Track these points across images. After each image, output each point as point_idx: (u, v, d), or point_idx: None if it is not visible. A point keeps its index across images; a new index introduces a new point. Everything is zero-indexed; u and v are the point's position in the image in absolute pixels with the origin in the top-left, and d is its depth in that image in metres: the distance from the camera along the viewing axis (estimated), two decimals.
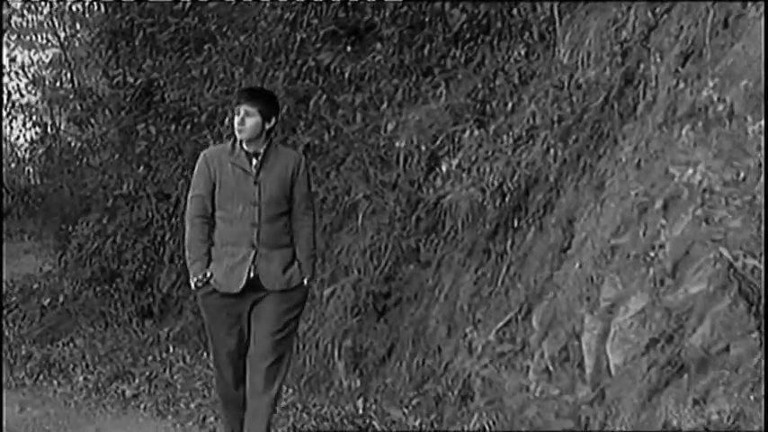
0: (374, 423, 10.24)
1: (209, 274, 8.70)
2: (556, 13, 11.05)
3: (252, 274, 8.70)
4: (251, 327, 8.91)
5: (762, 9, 8.45)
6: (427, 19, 12.31)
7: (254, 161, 8.68)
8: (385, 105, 12.59)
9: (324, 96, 13.49)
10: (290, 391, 12.51)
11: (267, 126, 8.68)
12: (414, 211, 11.61)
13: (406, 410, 10.10)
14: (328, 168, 13.28)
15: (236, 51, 14.83)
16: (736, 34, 8.65)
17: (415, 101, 12.30)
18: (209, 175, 8.71)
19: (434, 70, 12.21)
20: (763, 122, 4.77)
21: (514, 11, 11.59)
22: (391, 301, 11.72)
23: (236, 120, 8.57)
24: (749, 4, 8.65)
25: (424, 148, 11.73)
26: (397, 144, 11.86)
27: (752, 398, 6.62)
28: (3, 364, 13.65)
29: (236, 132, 8.61)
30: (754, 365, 6.75)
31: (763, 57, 5.02)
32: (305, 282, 8.96)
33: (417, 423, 9.79)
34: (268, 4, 14.06)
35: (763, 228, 4.31)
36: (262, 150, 8.69)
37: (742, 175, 6.92)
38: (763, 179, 4.49)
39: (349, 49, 13.21)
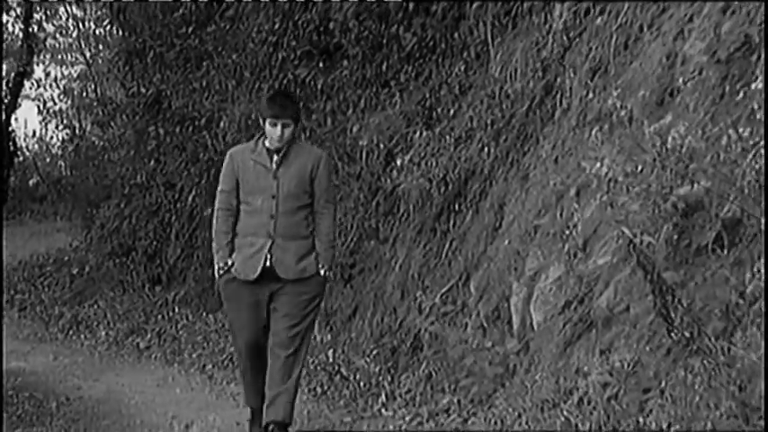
0: (342, 370, 10.20)
1: (230, 263, 8.02)
2: (489, 36, 11.02)
3: (268, 264, 7.94)
4: (269, 320, 8.12)
5: (655, 33, 8.44)
6: (385, 41, 12.28)
7: (275, 158, 7.94)
8: (350, 111, 12.61)
9: (301, 104, 13.31)
10: None
11: (297, 129, 8.13)
12: (374, 197, 11.57)
13: (367, 359, 10.05)
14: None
15: (229, 67, 14.79)
16: (635, 54, 8.63)
17: (375, 108, 12.29)
18: (233, 171, 8.04)
19: (391, 83, 12.18)
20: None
21: (455, 34, 11.56)
22: (356, 271, 11.72)
23: (276, 132, 7.82)
24: (645, 29, 8.64)
25: (382, 146, 11.70)
26: (361, 143, 11.84)
27: (648, 348, 6.61)
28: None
29: (275, 141, 7.88)
30: (649, 322, 6.73)
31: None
32: (321, 272, 8.10)
33: (377, 369, 9.73)
34: (255, 29, 14.01)
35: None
36: (284, 148, 7.95)
37: (640, 167, 6.91)
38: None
39: (321, 65, 13.18)
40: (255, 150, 8.03)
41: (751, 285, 5.69)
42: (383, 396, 9.18)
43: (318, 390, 10.13)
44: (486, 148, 10.34)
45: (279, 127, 7.82)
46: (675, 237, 6.77)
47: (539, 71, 9.98)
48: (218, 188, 8.21)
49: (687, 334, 6.26)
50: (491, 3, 11.05)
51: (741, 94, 6.88)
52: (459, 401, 8.34)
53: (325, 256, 8.11)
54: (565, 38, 9.76)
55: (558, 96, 9.56)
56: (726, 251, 6.43)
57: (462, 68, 11.43)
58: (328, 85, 13.01)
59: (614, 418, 6.42)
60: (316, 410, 9.41)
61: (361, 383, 9.72)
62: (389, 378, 9.44)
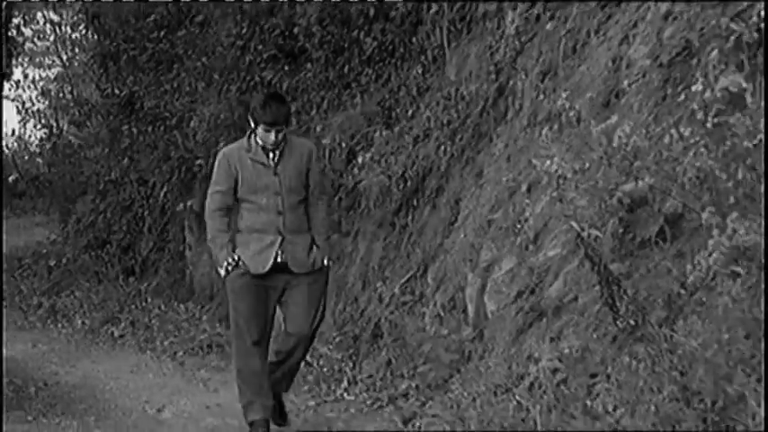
0: (307, 357, 10.16)
1: (237, 258, 7.59)
2: (445, 40, 11.02)
3: (279, 259, 7.60)
4: (284, 315, 7.81)
5: (602, 37, 8.45)
6: (346, 45, 12.28)
7: (271, 155, 7.57)
8: (314, 112, 12.62)
9: (290, 104, 13.32)
10: None
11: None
12: (336, 193, 11.54)
13: (330, 347, 10.05)
14: None
15: (199, 70, 14.78)
16: (583, 57, 8.64)
17: (337, 108, 12.29)
18: (230, 171, 7.60)
19: (352, 85, 12.17)
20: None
21: (413, 39, 11.57)
22: None
23: (270, 138, 7.46)
24: (592, 34, 8.65)
25: (344, 144, 11.67)
26: (324, 141, 11.81)
27: (595, 336, 6.62)
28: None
29: (269, 144, 7.50)
30: (596, 311, 6.74)
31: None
32: (325, 262, 7.80)
33: (339, 356, 9.74)
34: (224, 33, 14.00)
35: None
36: (279, 145, 7.60)
37: (587, 165, 6.89)
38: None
39: (286, 68, 13.17)
40: (251, 149, 7.62)
41: (692, 276, 5.68)
42: (345, 381, 9.19)
43: None
44: (442, 147, 10.34)
45: (273, 133, 7.48)
46: (621, 230, 6.78)
47: (492, 74, 9.99)
48: (211, 189, 7.76)
49: (632, 322, 6.27)
50: (447, 9, 11.03)
51: (682, 96, 6.90)
52: (417, 386, 8.34)
53: (324, 246, 7.83)
54: (517, 42, 9.76)
55: (511, 98, 9.57)
56: (668, 244, 6.45)
57: (420, 71, 11.43)
58: (293, 87, 13.00)
59: (563, 402, 6.42)
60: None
61: (325, 369, 9.71)
62: (351, 364, 9.44)
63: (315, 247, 7.75)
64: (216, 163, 7.81)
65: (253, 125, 7.61)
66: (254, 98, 8.15)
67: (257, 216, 7.63)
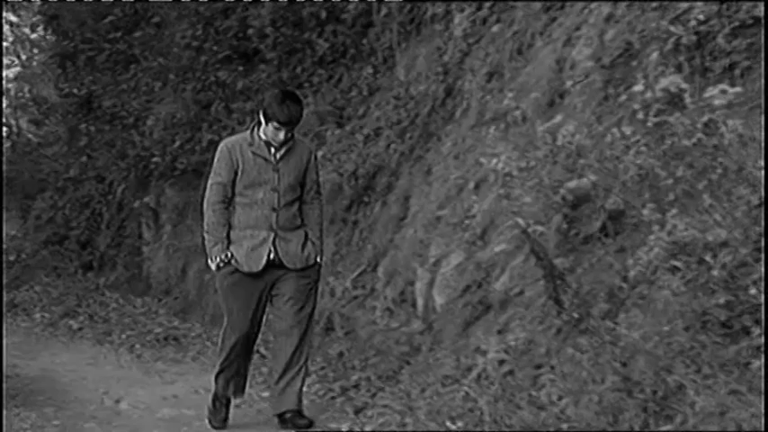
0: (260, 349, 10.09)
1: (229, 255, 7.32)
2: (395, 42, 11.01)
3: (272, 256, 7.33)
4: (266, 308, 7.59)
5: (547, 40, 8.46)
6: (299, 46, 12.28)
7: (273, 150, 7.27)
8: (257, 115, 12.49)
9: (222, 104, 13.47)
10: (197, 325, 12.47)
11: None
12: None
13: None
14: None
15: (156, 70, 14.73)
16: (528, 59, 8.65)
17: None
18: (231, 163, 7.29)
19: (305, 85, 12.15)
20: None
21: (364, 40, 11.57)
22: None
23: (279, 137, 7.22)
24: (537, 36, 8.66)
25: None
26: None
27: (540, 328, 6.62)
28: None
29: (275, 142, 7.26)
30: (541, 304, 6.75)
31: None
32: (318, 259, 7.54)
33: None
34: (180, 35, 13.94)
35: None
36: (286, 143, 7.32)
37: (533, 163, 6.91)
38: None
39: (240, 68, 13.18)
40: (254, 143, 7.31)
41: (633, 271, 5.71)
42: None
43: None
44: (392, 146, 10.34)
45: (283, 132, 7.22)
46: (565, 226, 6.79)
47: (440, 74, 9.99)
48: (212, 180, 7.44)
49: (575, 315, 6.27)
50: (397, 11, 11.02)
51: (624, 96, 6.92)
52: (368, 378, 8.31)
53: (317, 244, 7.55)
54: (464, 44, 9.77)
55: (458, 98, 9.58)
56: (610, 239, 6.46)
57: (370, 72, 11.44)
58: (247, 87, 13.02)
59: (509, 392, 6.41)
60: None
61: None
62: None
63: (308, 244, 7.50)
64: (217, 153, 7.46)
65: (263, 121, 7.26)
66: (269, 95, 7.74)
67: (250, 212, 7.35)
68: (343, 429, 7.35)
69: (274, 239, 7.35)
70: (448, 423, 6.52)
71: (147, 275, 14.86)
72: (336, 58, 12.00)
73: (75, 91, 16.78)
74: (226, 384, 7.73)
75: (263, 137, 7.29)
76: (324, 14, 11.89)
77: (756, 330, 4.96)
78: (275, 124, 7.18)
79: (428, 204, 9.20)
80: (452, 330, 7.64)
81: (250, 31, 12.77)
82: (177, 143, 13.99)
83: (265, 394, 8.75)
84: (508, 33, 9.07)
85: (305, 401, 8.09)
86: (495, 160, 7.11)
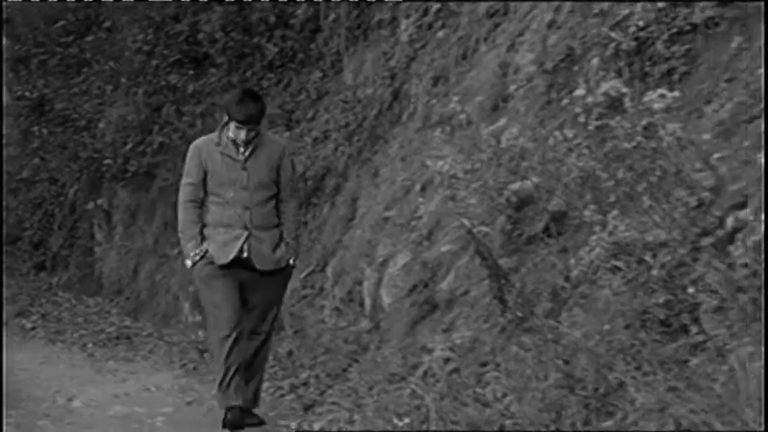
0: (210, 347, 10.10)
1: (204, 249, 7.14)
2: (343, 47, 10.99)
3: (244, 254, 7.15)
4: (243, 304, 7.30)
5: (492, 45, 8.47)
6: (249, 51, 12.25)
7: (242, 149, 7.11)
8: (218, 114, 12.43)
9: (173, 107, 13.40)
10: (149, 325, 12.42)
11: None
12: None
13: None
14: (176, 160, 13.16)
15: (107, 73, 14.67)
16: (473, 64, 8.66)
17: None
18: (200, 163, 7.16)
19: (254, 88, 12.05)
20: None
21: (312, 45, 11.55)
22: None
23: (241, 136, 7.07)
24: (481, 42, 8.67)
25: None
26: None
27: (485, 327, 6.63)
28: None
29: (240, 141, 7.10)
30: (486, 303, 6.76)
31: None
32: (291, 261, 7.39)
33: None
34: (131, 39, 13.87)
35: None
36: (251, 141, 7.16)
37: (477, 165, 6.91)
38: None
39: (191, 72, 13.12)
40: (221, 143, 7.17)
41: (575, 270, 5.72)
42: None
43: (190, 366, 10.07)
44: (340, 148, 10.32)
45: (245, 131, 7.07)
46: (509, 227, 6.80)
47: (387, 79, 9.98)
48: (183, 181, 7.33)
49: (519, 314, 6.28)
50: (344, 17, 11.00)
51: (566, 100, 6.92)
52: (317, 375, 8.29)
53: (292, 244, 7.37)
54: (410, 49, 9.77)
55: (405, 101, 9.58)
56: (553, 240, 6.47)
57: (319, 76, 11.42)
58: (198, 90, 12.98)
59: (455, 390, 6.41)
60: (188, 384, 9.29)
61: None
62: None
63: (281, 245, 7.31)
64: (188, 155, 7.36)
65: (226, 120, 7.17)
66: (229, 94, 7.76)
67: (224, 210, 7.18)
68: (292, 426, 7.32)
69: (247, 237, 7.17)
70: (395, 420, 6.50)
71: (100, 276, 14.76)
72: (285, 62, 11.97)
73: (27, 94, 16.61)
74: (235, 394, 7.24)
75: (230, 136, 7.14)
76: (273, 19, 11.87)
77: (694, 328, 4.99)
78: (235, 123, 7.07)
79: (375, 206, 9.18)
80: (399, 329, 7.63)
81: (200, 36, 12.74)
82: (129, 145, 13.91)
83: (214, 392, 8.72)
84: (453, 39, 9.07)
85: None
86: (440, 163, 7.11)
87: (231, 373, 7.18)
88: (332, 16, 11.20)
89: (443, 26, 9.34)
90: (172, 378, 9.67)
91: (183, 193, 7.30)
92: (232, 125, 7.09)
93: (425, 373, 6.88)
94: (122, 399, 8.91)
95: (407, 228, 8.23)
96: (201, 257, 7.18)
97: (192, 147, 7.39)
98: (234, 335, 7.17)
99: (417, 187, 8.42)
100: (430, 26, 9.60)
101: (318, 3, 11.45)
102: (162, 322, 12.32)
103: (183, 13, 13.13)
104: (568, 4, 7.46)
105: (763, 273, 4.24)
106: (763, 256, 4.23)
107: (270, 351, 7.67)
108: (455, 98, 8.08)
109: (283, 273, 7.40)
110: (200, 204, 7.25)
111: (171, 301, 12.47)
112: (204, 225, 7.24)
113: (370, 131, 10.01)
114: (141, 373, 10.09)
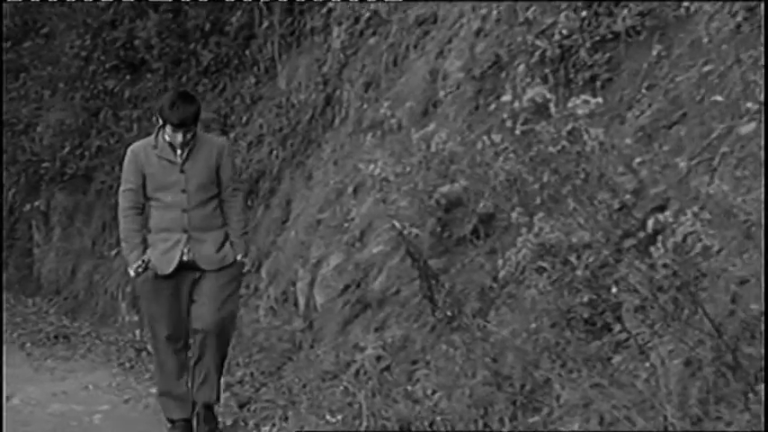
0: (147, 346, 10.02)
1: (146, 260, 6.74)
2: (276, 53, 10.96)
3: (186, 258, 6.75)
4: (191, 311, 6.92)
5: (420, 52, 8.47)
6: (184, 57, 12.21)
7: (179, 151, 6.70)
8: (154, 118, 12.37)
9: (110, 111, 13.39)
10: (87, 324, 12.32)
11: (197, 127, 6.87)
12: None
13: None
14: (113, 163, 13.12)
15: (45, 78, 14.59)
16: (403, 70, 8.66)
17: None
18: (137, 168, 6.75)
19: (188, 90, 12.03)
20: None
21: (247, 51, 11.51)
22: None
23: (178, 139, 6.64)
24: (411, 49, 8.66)
25: None
26: None
27: (415, 326, 6.63)
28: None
29: (177, 144, 6.68)
30: (416, 303, 6.76)
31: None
32: (239, 258, 6.93)
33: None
34: (68, 45, 13.75)
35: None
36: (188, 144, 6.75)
37: (408, 168, 6.90)
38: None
39: (128, 77, 13.09)
40: (158, 146, 6.76)
41: (502, 271, 5.70)
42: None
43: (127, 364, 10.01)
44: (274, 152, 10.29)
45: (180, 133, 6.64)
46: (438, 229, 6.80)
47: (320, 84, 9.96)
48: (122, 187, 6.90)
49: (449, 313, 6.28)
50: (278, 24, 10.97)
51: (493, 106, 6.95)
52: (252, 374, 8.23)
53: (238, 243, 6.93)
54: (342, 55, 9.75)
55: (337, 107, 9.57)
56: (481, 241, 6.48)
57: (253, 81, 11.39)
58: (134, 95, 12.99)
59: (387, 387, 6.41)
60: (125, 382, 9.23)
61: None
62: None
63: (226, 245, 6.90)
64: (125, 160, 6.93)
65: (161, 123, 6.74)
66: (162, 97, 7.18)
67: (163, 214, 6.81)
68: (228, 423, 7.26)
69: (187, 241, 6.79)
70: (328, 416, 6.49)
71: (38, 276, 14.64)
72: (220, 68, 11.92)
73: None
74: (170, 402, 7.07)
75: (167, 139, 6.73)
76: (208, 26, 11.83)
77: (617, 327, 5.01)
78: (170, 127, 6.66)
79: (309, 208, 9.15)
80: (332, 328, 7.60)
81: (137, 42, 12.69)
82: (67, 149, 13.86)
83: (153, 390, 8.65)
84: (384, 46, 9.06)
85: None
86: (372, 166, 7.08)
87: (171, 384, 6.99)
88: (266, 23, 11.16)
89: (374, 33, 9.33)
90: (109, 376, 9.58)
91: (123, 200, 6.91)
92: (168, 128, 6.69)
93: (358, 371, 6.87)
94: (60, 397, 8.82)
95: (340, 229, 8.21)
96: (145, 268, 6.80)
97: (128, 151, 6.99)
98: (172, 347, 6.95)
99: (349, 190, 8.40)
100: (361, 33, 9.59)
101: (252, 10, 11.40)
102: (99, 322, 12.24)
103: (119, 19, 13.07)
104: (495, 12, 7.46)
105: (683, 273, 4.25)
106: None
107: (226, 348, 7.19)
108: (386, 103, 8.07)
109: (231, 267, 6.93)
110: (142, 210, 6.91)
111: (108, 301, 12.41)
112: (148, 231, 6.90)
113: (303, 136, 9.99)
114: (79, 372, 9.99)
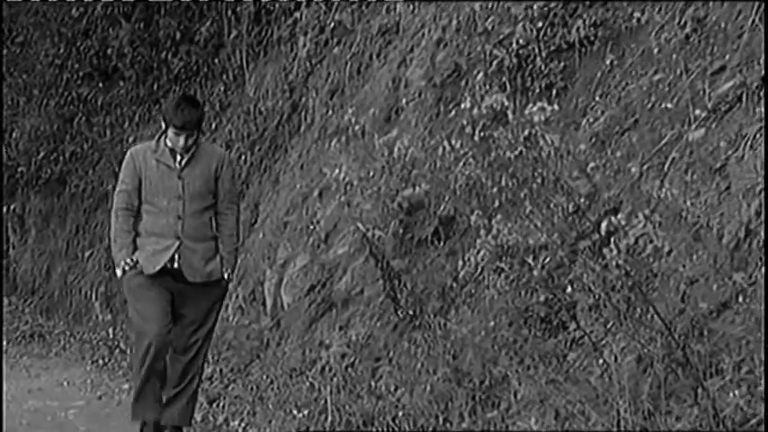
0: (120, 345, 10.02)
1: (135, 259, 6.26)
2: (244, 62, 10.92)
3: (175, 264, 6.28)
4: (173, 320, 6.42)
5: (383, 61, 8.46)
6: (155, 65, 12.14)
7: (179, 157, 6.30)
8: (126, 124, 12.57)
9: (84, 118, 13.31)
10: (61, 323, 12.25)
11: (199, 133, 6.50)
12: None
13: None
14: (87, 168, 13.08)
15: (20, 86, 14.43)
16: (366, 78, 8.64)
17: (147, 122, 12.18)
18: (134, 170, 6.33)
19: (161, 101, 11.99)
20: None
21: (216, 60, 11.46)
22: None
23: (180, 142, 6.22)
24: (374, 58, 8.65)
25: None
26: None
27: (378, 324, 6.62)
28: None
29: (178, 148, 6.27)
30: (379, 302, 6.75)
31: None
32: (225, 276, 6.45)
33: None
34: (43, 53, 13.66)
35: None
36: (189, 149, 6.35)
37: (371, 173, 6.91)
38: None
39: (101, 85, 13.03)
40: (158, 150, 6.34)
41: (462, 271, 5.72)
42: None
43: (101, 362, 9.96)
44: (243, 157, 10.25)
45: (183, 137, 6.23)
46: (401, 231, 6.78)
47: (287, 92, 9.93)
48: (118, 188, 6.50)
49: (411, 312, 6.29)
50: (246, 34, 10.95)
51: (453, 113, 6.94)
52: (221, 370, 8.19)
53: (228, 259, 6.46)
54: (308, 64, 9.72)
55: (303, 113, 9.54)
56: (442, 243, 6.47)
57: (222, 89, 11.35)
58: (107, 102, 12.92)
59: (351, 383, 6.41)
60: (98, 379, 9.18)
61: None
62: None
63: (215, 259, 6.43)
64: (123, 162, 6.52)
65: (164, 127, 6.34)
66: (167, 100, 6.80)
67: (157, 219, 6.34)
68: (197, 419, 7.21)
69: (179, 247, 6.31)
70: (294, 412, 6.47)
71: (14, 277, 14.55)
72: (190, 76, 11.87)
73: None
74: (144, 402, 6.47)
75: (168, 144, 6.34)
76: (178, 36, 11.78)
77: (572, 325, 5.01)
78: (173, 129, 6.25)
79: (276, 211, 9.12)
80: (299, 327, 7.58)
81: (110, 51, 12.63)
82: (41, 154, 13.79)
83: (125, 386, 8.60)
84: (348, 55, 9.04)
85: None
86: (337, 171, 7.08)
87: (148, 386, 6.39)
88: (234, 33, 11.14)
89: (339, 43, 9.31)
90: (83, 373, 9.53)
91: (117, 200, 6.49)
92: (170, 132, 6.29)
93: (323, 367, 6.86)
94: (36, 393, 8.78)
95: (306, 232, 8.18)
96: (132, 267, 6.33)
97: (128, 153, 6.58)
98: (157, 348, 6.27)
99: (315, 194, 8.38)
100: (326, 43, 9.57)
101: (221, 20, 11.37)
102: (74, 320, 12.20)
103: (93, 28, 12.99)
104: (455, 23, 7.46)
105: (635, 273, 4.26)
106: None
107: (202, 369, 6.74)
108: (350, 110, 8.06)
109: (216, 286, 6.48)
110: (135, 212, 6.44)
111: (82, 301, 12.35)
112: (138, 234, 6.41)
113: (270, 141, 9.96)
114: (54, 369, 9.95)
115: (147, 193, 6.37)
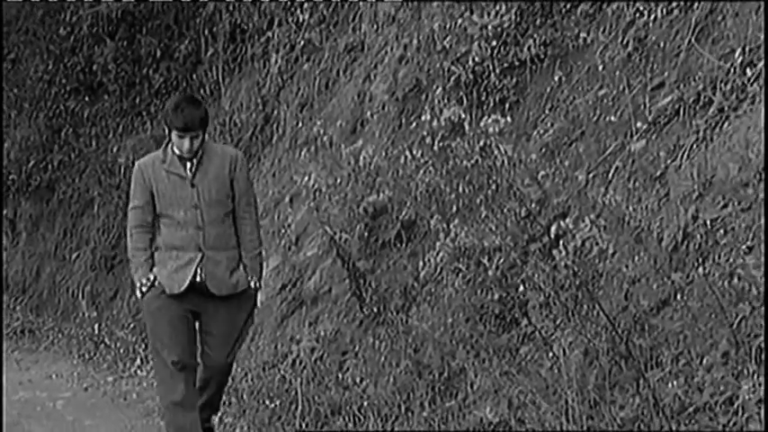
0: (105, 339, 9.99)
1: (152, 278, 5.46)
2: (220, 77, 10.85)
3: (199, 278, 5.44)
4: (201, 342, 5.62)
5: (352, 75, 8.43)
6: (138, 80, 12.07)
7: (188, 164, 5.45)
8: (111, 135, 12.48)
9: (71, 129, 13.20)
10: (50, 320, 12.18)
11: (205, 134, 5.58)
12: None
13: (126, 331, 9.82)
14: (74, 175, 13.00)
15: (11, 99, 14.32)
16: (334, 92, 8.61)
17: (130, 133, 12.10)
18: (144, 185, 5.49)
19: (143, 113, 11.97)
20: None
21: (194, 75, 11.39)
22: (116, 261, 11.48)
23: (185, 145, 5.36)
24: (341, 73, 8.63)
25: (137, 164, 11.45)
26: (119, 160, 11.69)
27: (345, 321, 6.61)
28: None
29: (184, 152, 5.41)
30: (346, 300, 6.74)
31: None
32: (252, 284, 5.58)
33: (133, 339, 9.45)
34: (33, 69, 13.59)
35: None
36: (197, 153, 5.48)
37: (339, 180, 6.89)
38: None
39: (87, 98, 12.94)
40: (166, 159, 5.50)
41: (423, 271, 5.73)
42: (138, 360, 8.92)
43: (86, 356, 9.91)
44: None
45: (187, 139, 5.38)
46: (366, 234, 6.76)
47: (260, 105, 9.90)
48: (130, 205, 5.65)
49: (375, 309, 6.28)
50: (222, 51, 10.91)
51: (414, 125, 6.93)
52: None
53: (252, 266, 5.60)
54: (280, 80, 9.69)
55: (275, 125, 9.51)
56: (404, 245, 6.46)
57: None
58: (93, 115, 12.83)
59: (320, 375, 6.39)
60: (84, 372, 9.15)
61: (121, 350, 9.45)
62: (143, 346, 9.12)
63: (239, 268, 5.57)
64: (132, 177, 5.67)
65: (167, 132, 5.53)
66: (168, 102, 5.71)
67: (175, 232, 5.51)
68: None
69: (201, 259, 5.48)
70: (267, 402, 6.44)
71: (6, 277, 14.40)
72: (170, 90, 11.80)
73: None
74: (171, 418, 5.59)
75: (176, 151, 5.49)
76: (159, 53, 11.73)
77: (524, 321, 5.01)
78: (176, 132, 5.41)
79: None
80: (271, 323, 7.53)
81: (95, 67, 12.56)
82: (32, 163, 13.70)
83: (110, 378, 8.56)
84: (317, 71, 9.01)
85: (143, 384, 7.90)
86: (306, 178, 7.06)
87: (179, 416, 5.53)
88: (211, 51, 11.09)
89: (308, 60, 9.28)
90: (71, 366, 9.51)
91: (131, 219, 5.64)
92: (174, 136, 5.44)
93: (294, 361, 6.84)
94: (26, 385, 8.75)
95: (278, 235, 8.14)
96: (150, 287, 5.53)
97: (135, 167, 5.70)
98: (179, 373, 5.48)
99: (286, 199, 8.35)
100: (296, 60, 9.54)
101: (199, 39, 11.33)
102: (62, 317, 12.11)
103: (79, 46, 12.91)
104: (416, 42, 7.44)
105: (582, 273, 4.25)
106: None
107: (226, 384, 6.01)
108: (319, 122, 8.05)
109: (244, 298, 5.62)
110: (151, 227, 5.63)
111: (70, 299, 12.29)
112: (156, 249, 5.61)
113: (245, 151, 9.89)
114: (43, 363, 9.95)
115: (162, 206, 5.55)
